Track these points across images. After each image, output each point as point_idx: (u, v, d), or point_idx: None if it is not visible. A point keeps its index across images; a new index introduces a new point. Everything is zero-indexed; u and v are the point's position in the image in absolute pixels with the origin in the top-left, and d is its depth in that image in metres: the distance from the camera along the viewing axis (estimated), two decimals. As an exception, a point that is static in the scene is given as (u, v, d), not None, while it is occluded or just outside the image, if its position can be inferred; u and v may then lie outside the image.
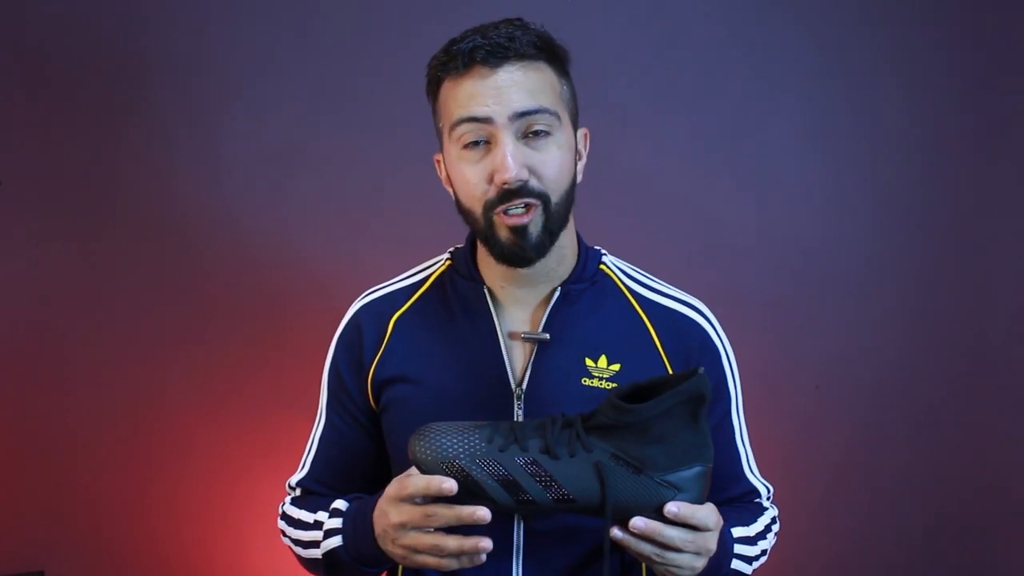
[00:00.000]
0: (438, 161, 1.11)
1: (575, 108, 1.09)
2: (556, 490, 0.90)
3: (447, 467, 0.90)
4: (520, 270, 1.07)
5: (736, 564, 1.06)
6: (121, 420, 1.88)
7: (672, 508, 0.90)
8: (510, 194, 1.00)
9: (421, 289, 1.15)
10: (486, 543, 0.92)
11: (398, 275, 1.19)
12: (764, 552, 1.12)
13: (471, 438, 0.91)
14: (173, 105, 1.87)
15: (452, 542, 0.92)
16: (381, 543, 0.98)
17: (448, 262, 1.16)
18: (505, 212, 1.01)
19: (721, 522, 0.96)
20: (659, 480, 0.91)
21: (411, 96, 1.88)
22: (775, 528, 1.16)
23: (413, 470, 0.94)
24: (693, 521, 0.91)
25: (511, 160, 0.99)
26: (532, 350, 1.08)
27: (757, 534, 1.11)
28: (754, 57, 1.97)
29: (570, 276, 1.10)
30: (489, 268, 1.10)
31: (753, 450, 1.19)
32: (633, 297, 1.13)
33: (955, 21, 1.98)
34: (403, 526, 0.94)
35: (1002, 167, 1.99)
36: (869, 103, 1.98)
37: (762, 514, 1.14)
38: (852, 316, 1.99)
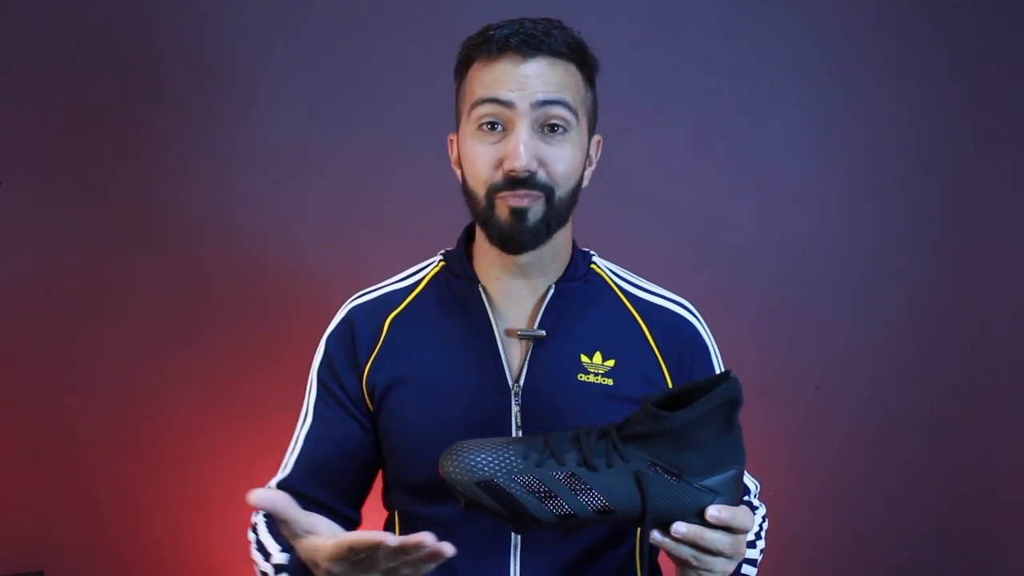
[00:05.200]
0: (451, 141, 1.13)
1: (594, 116, 1.11)
2: (596, 502, 0.89)
3: (483, 486, 0.88)
4: (515, 260, 1.08)
5: (746, 569, 1.07)
6: (121, 420, 1.88)
7: (713, 512, 0.90)
8: (516, 183, 1.02)
9: (416, 290, 1.15)
10: (447, 549, 0.83)
11: (392, 277, 1.19)
12: (762, 552, 1.12)
13: (505, 454, 0.90)
14: (173, 105, 1.87)
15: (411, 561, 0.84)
16: None
17: (441, 263, 1.17)
18: (508, 197, 1.03)
19: (754, 523, 0.96)
20: (697, 485, 0.90)
21: (411, 96, 1.90)
22: (765, 526, 1.17)
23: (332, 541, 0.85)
24: (733, 524, 0.91)
25: (523, 149, 1.01)
26: (528, 347, 1.09)
27: (755, 534, 1.12)
28: (754, 57, 1.97)
29: (563, 274, 1.12)
30: (484, 265, 1.11)
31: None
32: (624, 295, 1.15)
33: (955, 21, 1.98)
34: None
35: (1002, 167, 1.99)
36: (869, 103, 1.98)
37: (754, 513, 1.14)
38: (852, 316, 2.00)
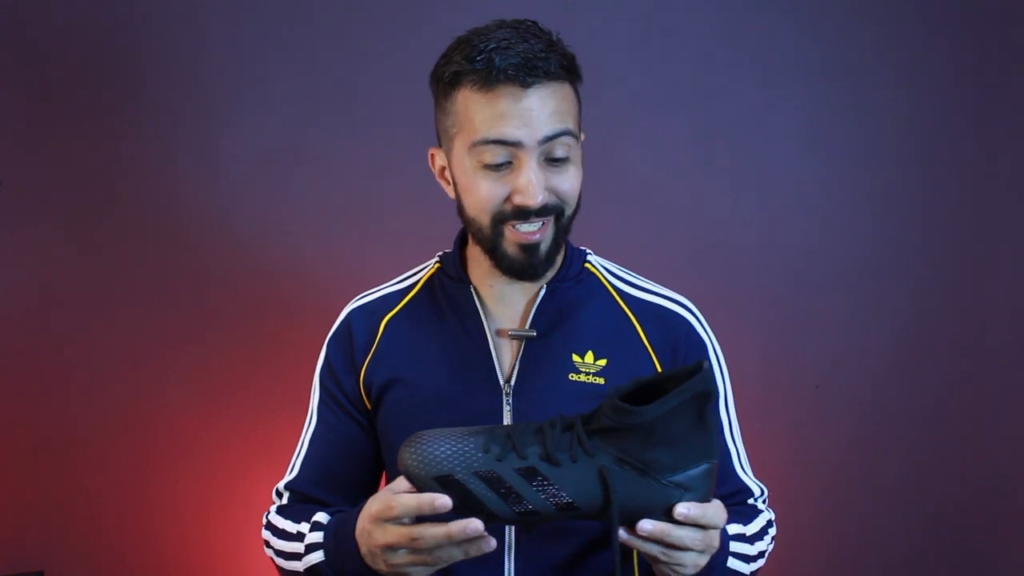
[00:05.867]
0: (432, 155, 1.11)
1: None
2: (558, 498, 0.86)
3: (441, 481, 0.85)
4: None
5: (734, 563, 1.05)
6: (121, 420, 1.88)
7: (682, 510, 0.87)
8: (527, 213, 1.01)
9: (412, 292, 1.16)
10: (490, 542, 0.88)
11: (393, 278, 1.20)
12: (762, 554, 1.10)
13: (465, 447, 0.86)
14: (173, 105, 1.88)
15: (457, 551, 0.88)
16: (370, 562, 0.94)
17: (437, 265, 1.17)
18: (515, 227, 1.02)
19: (727, 517, 0.95)
20: (666, 482, 0.87)
21: (410, 97, 1.88)
22: (772, 532, 1.14)
23: (398, 484, 0.90)
24: (703, 521, 0.89)
25: (536, 186, 1.00)
26: (520, 347, 1.09)
27: (754, 534, 1.09)
28: (754, 57, 1.97)
29: (556, 274, 1.11)
30: (477, 268, 1.12)
31: (746, 449, 1.17)
32: (617, 294, 1.14)
33: (955, 21, 1.98)
34: (391, 547, 0.90)
35: (1002, 167, 1.99)
36: (869, 103, 1.98)
37: (757, 516, 1.13)
38: (852, 316, 1.99)
